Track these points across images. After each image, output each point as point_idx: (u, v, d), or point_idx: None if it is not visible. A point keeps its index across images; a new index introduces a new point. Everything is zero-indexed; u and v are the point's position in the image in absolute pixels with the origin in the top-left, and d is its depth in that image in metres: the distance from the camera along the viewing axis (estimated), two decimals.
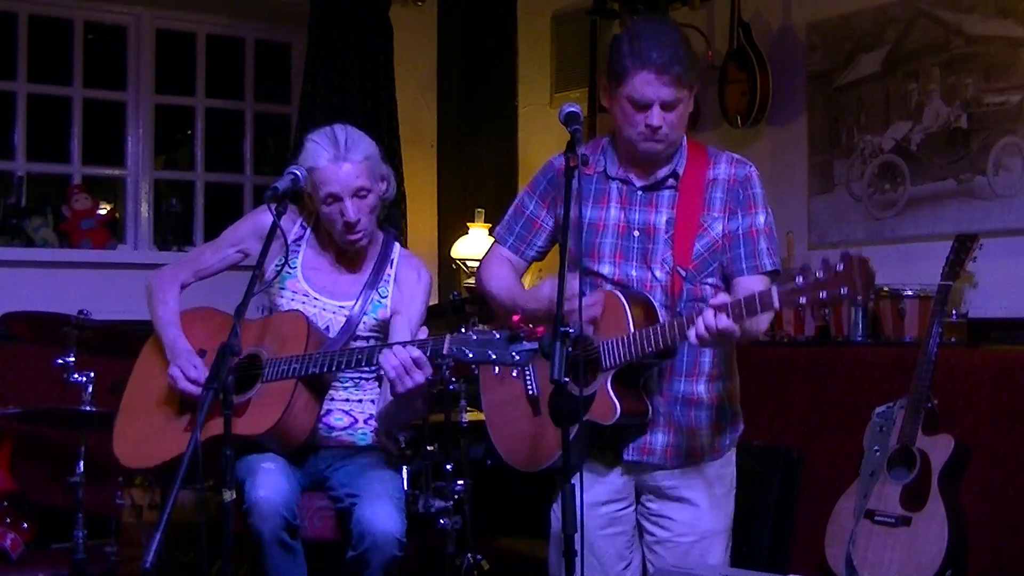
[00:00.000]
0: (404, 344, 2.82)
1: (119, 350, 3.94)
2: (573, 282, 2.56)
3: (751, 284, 2.70)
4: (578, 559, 2.35)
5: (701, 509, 2.82)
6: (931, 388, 3.50)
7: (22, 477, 4.53)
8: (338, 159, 3.05)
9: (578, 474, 2.39)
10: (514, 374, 2.62)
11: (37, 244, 5.26)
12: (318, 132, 3.14)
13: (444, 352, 2.68)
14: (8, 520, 4.32)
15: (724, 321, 2.44)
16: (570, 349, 2.37)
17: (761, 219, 2.76)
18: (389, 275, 3.24)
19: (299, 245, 3.22)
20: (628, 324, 2.65)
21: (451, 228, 5.97)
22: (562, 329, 2.35)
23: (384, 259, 3.23)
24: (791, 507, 4.05)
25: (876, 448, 3.58)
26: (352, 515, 2.96)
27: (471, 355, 2.58)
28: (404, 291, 3.23)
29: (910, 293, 3.97)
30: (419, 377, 2.80)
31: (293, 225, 3.24)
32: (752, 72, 4.61)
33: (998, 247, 3.85)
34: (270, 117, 6.13)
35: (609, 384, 2.67)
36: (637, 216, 2.78)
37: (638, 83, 2.64)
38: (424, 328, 3.13)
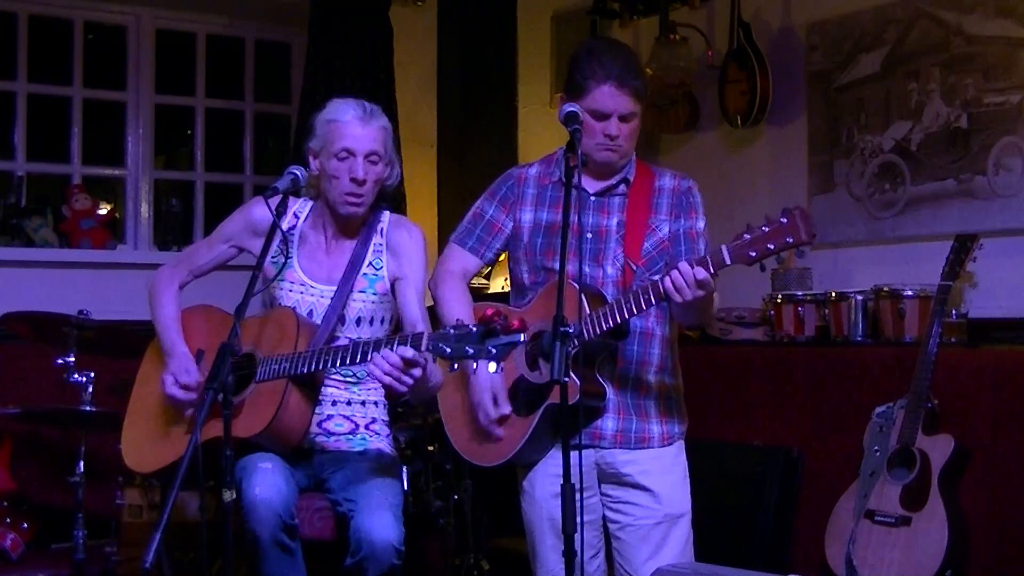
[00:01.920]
0: (393, 346, 2.78)
1: (119, 350, 3.94)
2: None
3: None
4: (564, 555, 2.40)
5: (659, 495, 2.94)
6: (931, 388, 3.51)
7: (22, 477, 4.53)
8: (362, 119, 3.11)
9: (576, 472, 2.43)
10: (491, 368, 2.65)
11: (37, 244, 5.26)
12: (343, 98, 3.21)
13: (423, 350, 2.68)
14: (8, 520, 4.32)
15: (703, 273, 2.59)
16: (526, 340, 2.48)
17: (701, 224, 2.98)
18: (380, 244, 3.21)
19: (293, 234, 3.20)
20: (584, 308, 2.78)
21: (451, 228, 5.91)
22: (562, 329, 2.36)
23: (371, 230, 3.21)
24: (791, 507, 4.05)
25: (876, 448, 3.58)
26: (351, 523, 2.96)
27: (449, 351, 2.59)
28: (400, 254, 3.21)
29: (910, 293, 3.97)
30: (417, 373, 2.77)
31: (287, 213, 3.22)
32: (752, 72, 4.62)
33: (998, 247, 3.85)
34: (270, 117, 6.12)
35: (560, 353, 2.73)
36: (590, 220, 2.96)
37: (599, 95, 2.83)
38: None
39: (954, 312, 3.85)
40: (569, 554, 2.35)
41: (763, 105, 4.63)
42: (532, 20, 5.92)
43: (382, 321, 3.23)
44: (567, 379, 2.37)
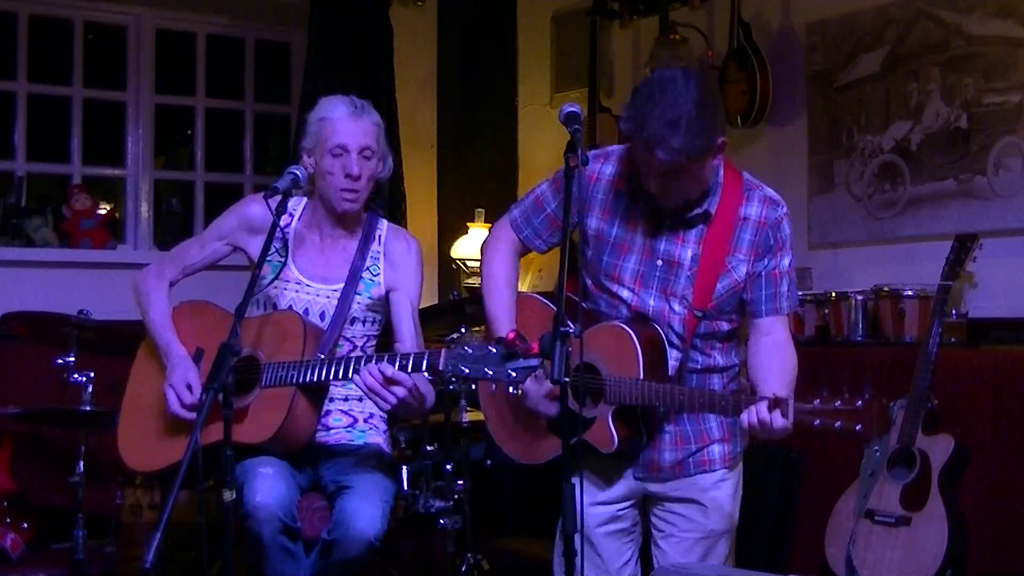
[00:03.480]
0: (377, 361, 2.78)
1: (119, 350, 3.93)
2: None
3: (769, 325, 2.76)
4: (578, 559, 2.35)
5: (708, 509, 2.84)
6: (931, 388, 3.50)
7: (22, 477, 4.53)
8: (353, 114, 3.11)
9: (578, 473, 2.39)
10: (511, 391, 2.60)
11: (37, 244, 5.26)
12: (333, 95, 3.20)
13: (440, 368, 2.66)
14: (8, 520, 4.32)
15: (780, 421, 2.46)
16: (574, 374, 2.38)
17: (786, 261, 2.77)
18: (378, 252, 3.22)
19: (288, 233, 3.19)
20: (638, 369, 2.65)
21: (451, 228, 5.97)
22: (562, 329, 2.35)
23: (369, 236, 3.21)
24: (791, 507, 4.05)
25: (876, 448, 3.58)
26: (336, 502, 2.97)
27: (467, 371, 2.56)
28: (396, 265, 3.21)
29: (910, 293, 3.97)
30: (400, 392, 2.78)
31: (283, 213, 3.23)
32: (752, 72, 4.61)
33: (998, 247, 3.85)
34: (270, 117, 6.13)
35: (610, 417, 2.69)
36: (663, 246, 2.74)
37: (637, 149, 2.60)
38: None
39: (954, 312, 3.85)
40: (569, 554, 2.34)
41: (763, 105, 4.62)
42: (532, 20, 5.92)
43: (374, 322, 3.24)
44: (567, 379, 2.35)
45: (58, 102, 5.53)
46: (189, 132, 5.99)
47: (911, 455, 3.46)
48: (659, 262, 2.73)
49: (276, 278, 3.10)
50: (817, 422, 2.46)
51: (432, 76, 6.20)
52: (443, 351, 2.66)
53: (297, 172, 2.99)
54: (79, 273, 5.26)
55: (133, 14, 5.63)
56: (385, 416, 3.33)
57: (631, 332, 2.69)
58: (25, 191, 5.38)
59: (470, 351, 2.57)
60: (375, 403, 2.81)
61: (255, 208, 3.19)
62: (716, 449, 2.82)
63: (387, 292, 3.21)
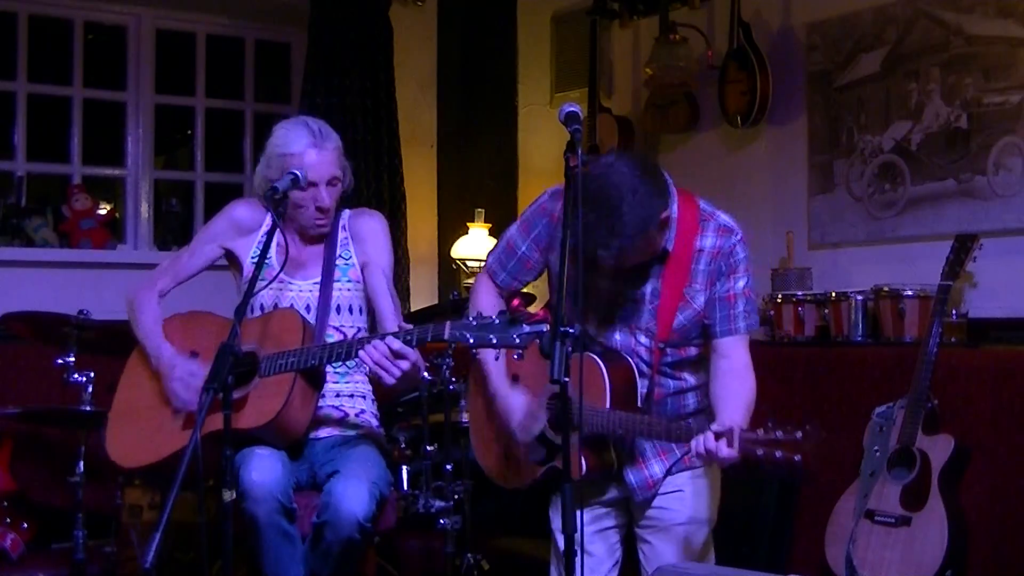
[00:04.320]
0: (383, 337, 2.84)
1: (119, 350, 3.93)
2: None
3: (727, 347, 2.81)
4: (577, 559, 2.38)
5: (687, 495, 2.92)
6: (931, 388, 3.50)
7: (22, 477, 4.53)
8: (316, 146, 3.15)
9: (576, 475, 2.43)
10: (516, 356, 2.64)
11: (37, 244, 5.26)
12: (289, 121, 3.25)
13: (445, 337, 2.67)
14: (8, 520, 4.32)
15: (725, 451, 2.53)
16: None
17: (741, 283, 2.82)
18: (346, 238, 3.31)
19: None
20: (605, 399, 2.72)
21: (451, 228, 5.97)
22: (562, 329, 2.35)
23: (335, 229, 3.30)
24: (791, 507, 4.05)
25: (876, 448, 3.58)
26: (324, 485, 3.00)
27: (472, 339, 2.59)
28: (365, 239, 3.30)
29: (910, 293, 3.97)
30: (404, 365, 2.82)
31: (265, 216, 3.28)
32: (752, 72, 4.61)
33: (998, 247, 3.85)
34: (270, 117, 6.11)
35: (579, 443, 2.72)
36: (624, 284, 2.82)
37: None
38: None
39: (954, 312, 3.85)
40: (569, 554, 2.35)
41: (763, 105, 4.62)
42: (532, 20, 5.92)
43: (360, 311, 3.29)
44: (566, 379, 2.35)
45: (58, 102, 5.53)
46: (189, 132, 5.99)
47: (911, 455, 3.46)
48: (620, 299, 2.81)
49: (277, 275, 3.13)
50: (760, 451, 2.52)
51: (432, 76, 6.20)
52: (447, 322, 2.68)
53: (297, 172, 3.03)
54: (79, 273, 5.26)
55: (133, 14, 5.63)
56: (376, 413, 3.37)
57: (601, 364, 2.76)
58: (25, 191, 5.38)
59: (474, 321, 2.59)
60: (380, 377, 2.84)
61: (242, 210, 3.31)
62: None
63: (362, 269, 3.28)
